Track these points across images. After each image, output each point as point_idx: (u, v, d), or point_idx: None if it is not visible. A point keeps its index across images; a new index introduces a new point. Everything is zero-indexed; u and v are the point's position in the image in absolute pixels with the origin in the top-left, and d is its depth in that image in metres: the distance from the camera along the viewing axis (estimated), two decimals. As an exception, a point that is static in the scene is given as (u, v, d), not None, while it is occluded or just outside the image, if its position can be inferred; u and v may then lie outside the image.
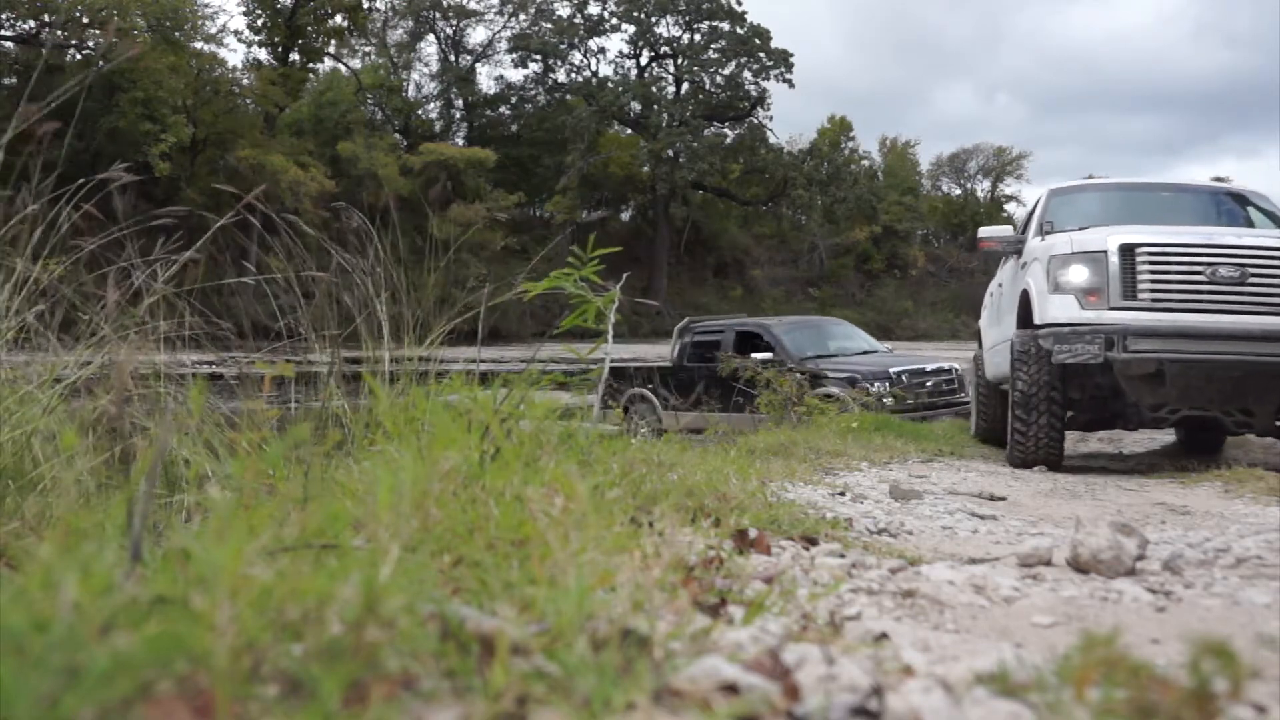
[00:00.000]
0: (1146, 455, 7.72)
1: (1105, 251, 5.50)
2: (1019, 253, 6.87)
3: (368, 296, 2.87)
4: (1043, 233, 6.48)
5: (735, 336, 11.86)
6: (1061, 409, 5.72)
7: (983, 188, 63.07)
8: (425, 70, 58.02)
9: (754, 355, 10.81)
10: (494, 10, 51.25)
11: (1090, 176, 7.62)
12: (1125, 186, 7.47)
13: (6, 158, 2.37)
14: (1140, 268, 5.43)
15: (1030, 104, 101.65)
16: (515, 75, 67.13)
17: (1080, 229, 6.02)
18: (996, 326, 7.62)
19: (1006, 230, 7.33)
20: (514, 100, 52.79)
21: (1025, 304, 6.06)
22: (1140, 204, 6.96)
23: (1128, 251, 5.46)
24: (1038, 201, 7.28)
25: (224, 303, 2.96)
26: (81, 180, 2.53)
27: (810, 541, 2.20)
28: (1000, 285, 7.76)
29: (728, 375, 10.78)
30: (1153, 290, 5.40)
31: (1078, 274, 5.56)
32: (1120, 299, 5.44)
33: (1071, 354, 5.34)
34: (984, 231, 7.28)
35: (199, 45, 36.93)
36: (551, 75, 51.41)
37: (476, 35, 68.82)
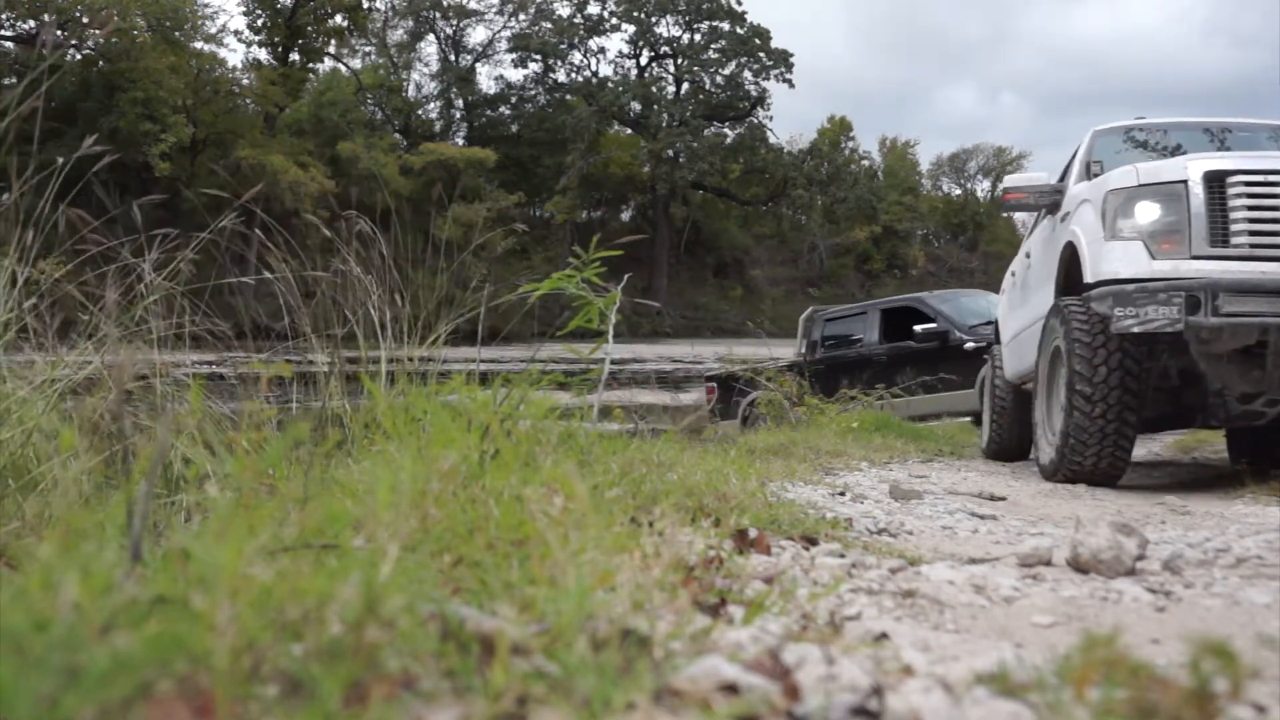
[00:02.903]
0: (1146, 455, 7.72)
1: (1185, 182, 4.07)
2: (1055, 206, 5.40)
3: (366, 297, 2.87)
4: (1089, 174, 5.13)
5: (881, 316, 10.59)
6: (1135, 399, 4.21)
7: (983, 188, 63.14)
8: (425, 70, 58.08)
9: (917, 328, 9.63)
10: (494, 10, 51.33)
11: (1141, 117, 6.01)
12: (1189, 126, 5.80)
13: (6, 157, 2.37)
14: (1233, 203, 4.01)
15: (1035, 103, 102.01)
16: (515, 75, 67.20)
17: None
18: (1021, 309, 6.16)
19: (1040, 177, 5.62)
20: (514, 100, 52.84)
21: (1070, 262, 4.66)
22: (1213, 145, 5.44)
23: (1216, 181, 4.06)
24: (1078, 148, 5.85)
25: (224, 302, 2.96)
26: (62, 160, 2.51)
27: (810, 541, 2.20)
28: (1027, 256, 6.24)
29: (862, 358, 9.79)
30: (1251, 233, 3.99)
31: (1146, 213, 4.13)
32: (1206, 245, 4.03)
33: (1139, 320, 3.89)
34: (1010, 180, 5.64)
35: (199, 45, 36.99)
36: (551, 75, 51.49)
37: (476, 35, 68.87)
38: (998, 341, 7.27)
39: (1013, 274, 6.96)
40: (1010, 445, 6.65)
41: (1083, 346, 4.27)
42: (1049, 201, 5.46)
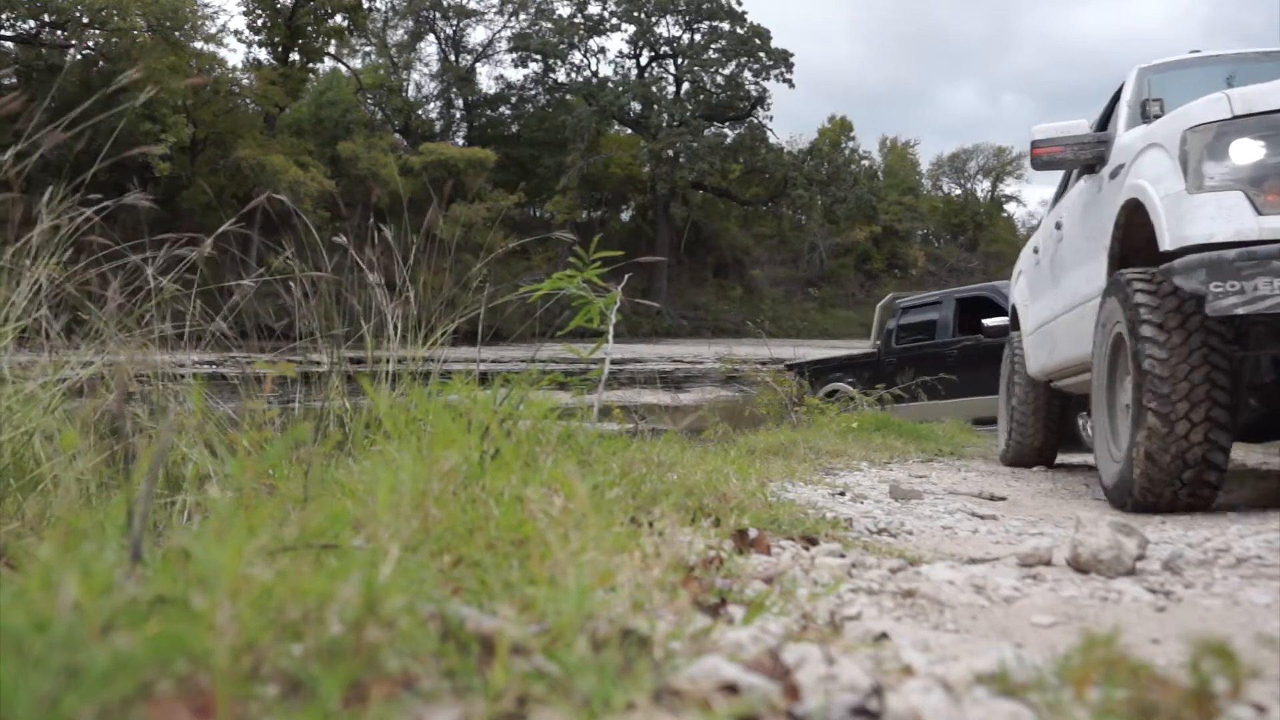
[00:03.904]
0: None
1: None
2: (1099, 161, 4.37)
3: (376, 297, 2.88)
4: (1147, 116, 4.15)
5: (957, 305, 9.84)
6: (1229, 400, 3.24)
7: (983, 188, 63.24)
8: (425, 70, 58.21)
9: (986, 322, 8.85)
10: (494, 10, 51.41)
11: (1196, 51, 4.95)
12: (1258, 57, 4.58)
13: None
14: None
15: (1037, 103, 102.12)
16: (515, 75, 67.45)
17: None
18: (1051, 291, 5.17)
19: (1079, 125, 4.53)
20: (514, 100, 52.94)
21: (1129, 227, 3.74)
22: None
23: None
24: (1119, 89, 4.76)
25: (226, 302, 2.97)
26: (86, 180, 2.55)
27: (810, 541, 2.20)
28: (1057, 227, 5.14)
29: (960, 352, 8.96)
30: None
31: (1247, 152, 3.15)
32: None
33: (1247, 297, 3.00)
34: (1040, 132, 4.50)
35: (199, 45, 37.02)
36: (551, 75, 51.58)
37: (476, 35, 69.03)
38: (1015, 329, 6.26)
39: (1035, 251, 5.84)
40: (1033, 451, 5.86)
41: (1156, 333, 3.27)
42: (1092, 155, 4.41)
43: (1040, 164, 4.50)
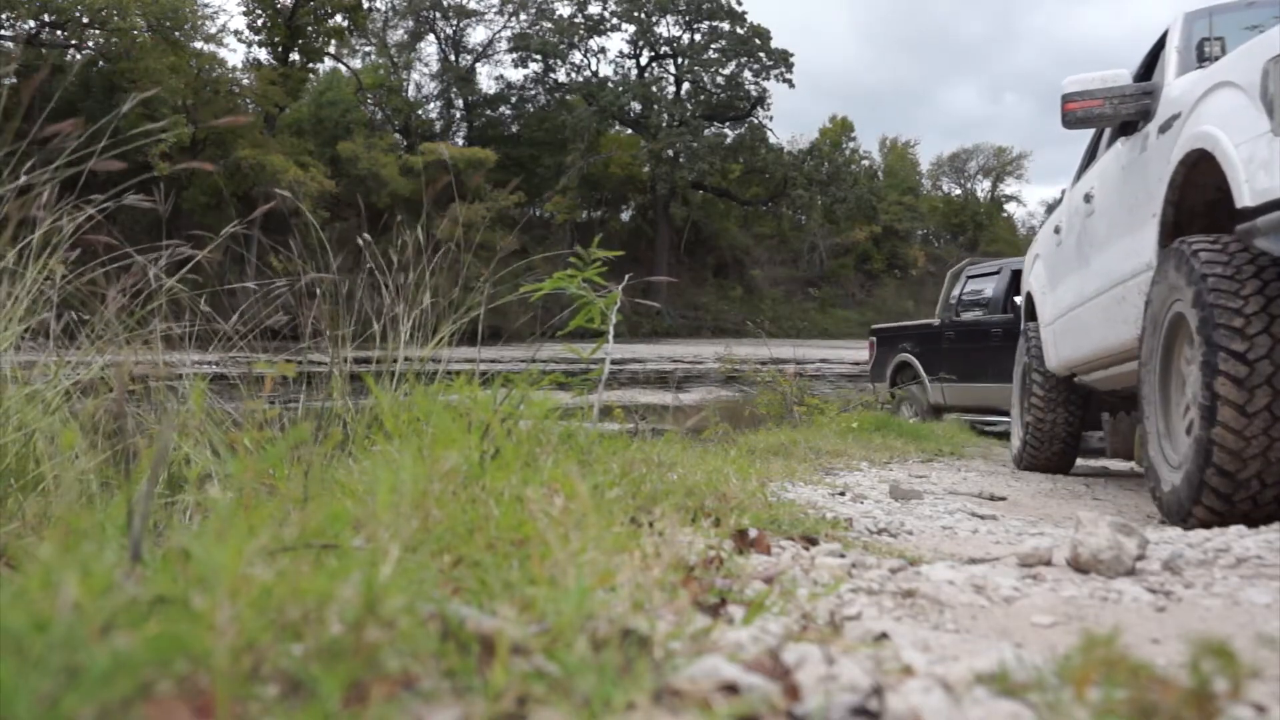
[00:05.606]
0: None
1: None
2: (1144, 115, 3.80)
3: (385, 299, 2.88)
4: (1205, 59, 3.66)
5: (1011, 277, 8.68)
6: None
7: (983, 188, 63.28)
8: (425, 70, 58.29)
9: (1019, 299, 7.85)
10: (494, 10, 51.42)
11: None
12: None
13: (9, 157, 2.38)
14: None
15: (1037, 103, 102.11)
16: (515, 75, 67.51)
17: None
18: (1081, 272, 4.56)
19: (1121, 75, 3.91)
20: (514, 100, 52.92)
21: (1187, 187, 3.24)
22: None
23: None
24: (1161, 38, 4.23)
25: (228, 303, 2.97)
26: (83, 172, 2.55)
27: (810, 541, 2.20)
28: (1087, 199, 4.52)
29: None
30: None
31: None
32: None
33: None
34: (1073, 84, 3.93)
35: (199, 45, 37.07)
36: (551, 75, 51.61)
37: (476, 35, 69.11)
38: (1031, 318, 5.75)
39: (1056, 231, 5.22)
40: (1051, 456, 5.42)
41: (1230, 313, 2.75)
42: (1135, 109, 3.80)
43: (1073, 121, 3.92)
